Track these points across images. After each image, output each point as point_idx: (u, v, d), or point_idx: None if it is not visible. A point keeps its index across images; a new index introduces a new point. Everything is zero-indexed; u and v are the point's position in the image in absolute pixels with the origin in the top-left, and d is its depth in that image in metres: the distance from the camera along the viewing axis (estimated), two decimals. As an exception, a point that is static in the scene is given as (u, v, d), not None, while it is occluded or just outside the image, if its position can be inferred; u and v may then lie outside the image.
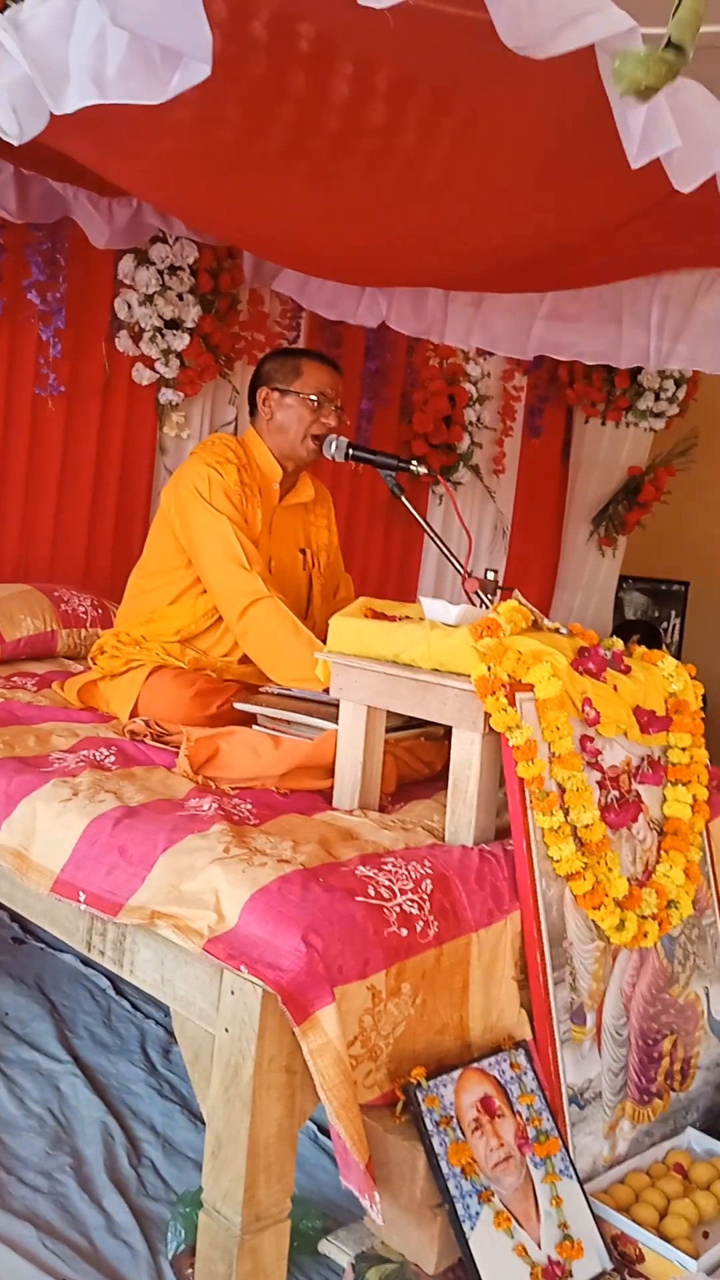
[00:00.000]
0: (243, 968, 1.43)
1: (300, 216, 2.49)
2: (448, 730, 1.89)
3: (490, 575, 2.30)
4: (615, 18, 1.33)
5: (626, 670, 2.00)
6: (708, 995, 2.05)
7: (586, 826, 1.79)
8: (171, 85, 1.46)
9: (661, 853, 1.98)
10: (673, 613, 6.19)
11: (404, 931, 1.56)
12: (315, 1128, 2.13)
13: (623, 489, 5.12)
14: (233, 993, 1.47)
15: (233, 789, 2.02)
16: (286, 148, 2.07)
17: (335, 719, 2.02)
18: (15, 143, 1.58)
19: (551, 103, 1.74)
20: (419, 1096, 1.50)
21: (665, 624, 6.12)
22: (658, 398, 4.90)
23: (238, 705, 2.29)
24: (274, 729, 2.19)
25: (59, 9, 1.48)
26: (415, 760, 2.26)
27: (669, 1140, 1.89)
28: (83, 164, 2.62)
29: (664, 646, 5.86)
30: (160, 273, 3.46)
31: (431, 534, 2.53)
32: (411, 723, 2.06)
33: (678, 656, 5.97)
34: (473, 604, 2.23)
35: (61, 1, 1.49)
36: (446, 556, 2.55)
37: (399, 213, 2.38)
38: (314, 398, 2.60)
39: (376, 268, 3.16)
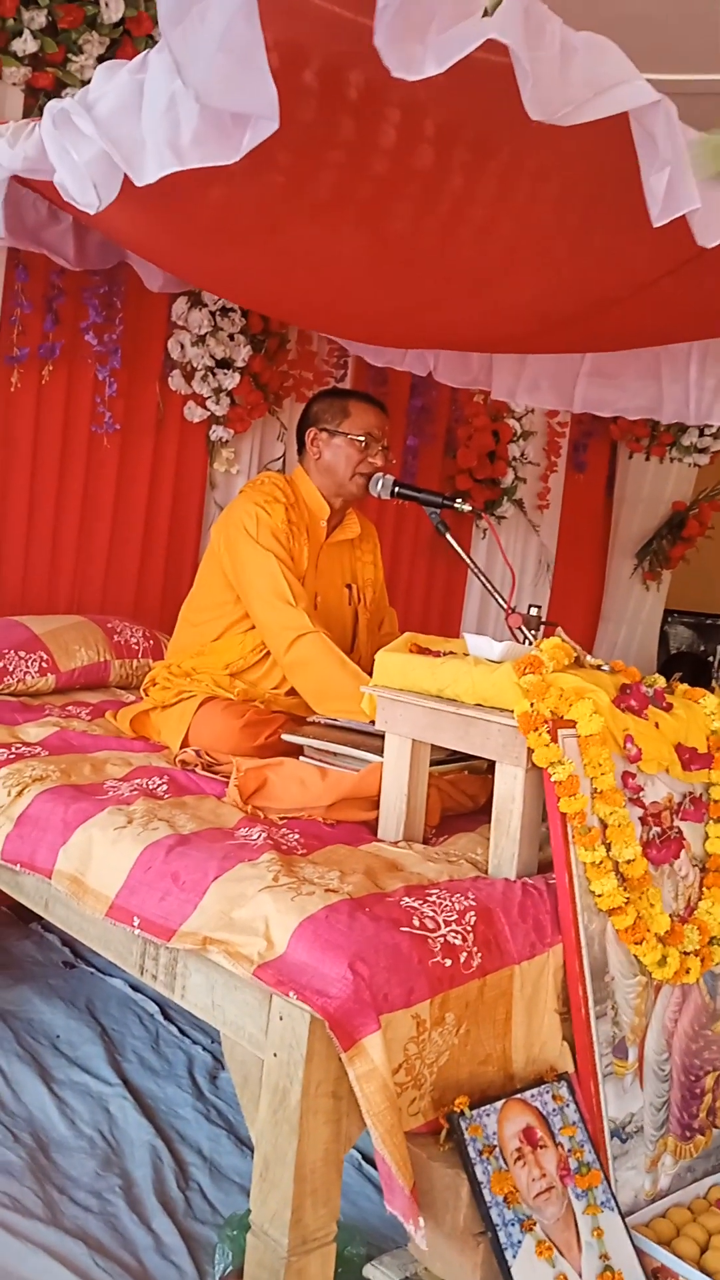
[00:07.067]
0: (291, 994, 1.47)
1: (346, 266, 2.55)
2: (491, 764, 1.93)
3: (534, 610, 2.34)
4: (642, 90, 1.38)
5: (668, 707, 2.03)
6: (750, 1032, 2.06)
7: (628, 862, 1.81)
8: (243, 144, 1.51)
9: (704, 889, 1.99)
10: (719, 647, 6.17)
11: (448, 962, 1.59)
12: (360, 1156, 2.16)
13: (667, 524, 5.15)
14: (281, 1018, 1.51)
15: (281, 819, 2.07)
16: (335, 192, 2.14)
17: (380, 751, 2.06)
18: (92, 212, 1.66)
19: (592, 150, 1.79)
20: (462, 1125, 1.53)
21: (712, 657, 6.10)
22: (701, 433, 4.93)
23: (285, 736, 2.34)
24: (321, 760, 2.24)
25: (125, 85, 1.56)
26: (459, 793, 2.29)
27: (711, 1176, 1.89)
28: (131, 244, 2.67)
29: (713, 679, 5.84)
30: (212, 314, 3.57)
31: (475, 570, 2.57)
32: (455, 756, 2.10)
33: (724, 690, 5.89)
34: (516, 639, 2.27)
35: (126, 78, 1.57)
36: (490, 592, 2.59)
37: (444, 257, 2.44)
38: (361, 438, 2.66)
39: (418, 327, 3.20)
